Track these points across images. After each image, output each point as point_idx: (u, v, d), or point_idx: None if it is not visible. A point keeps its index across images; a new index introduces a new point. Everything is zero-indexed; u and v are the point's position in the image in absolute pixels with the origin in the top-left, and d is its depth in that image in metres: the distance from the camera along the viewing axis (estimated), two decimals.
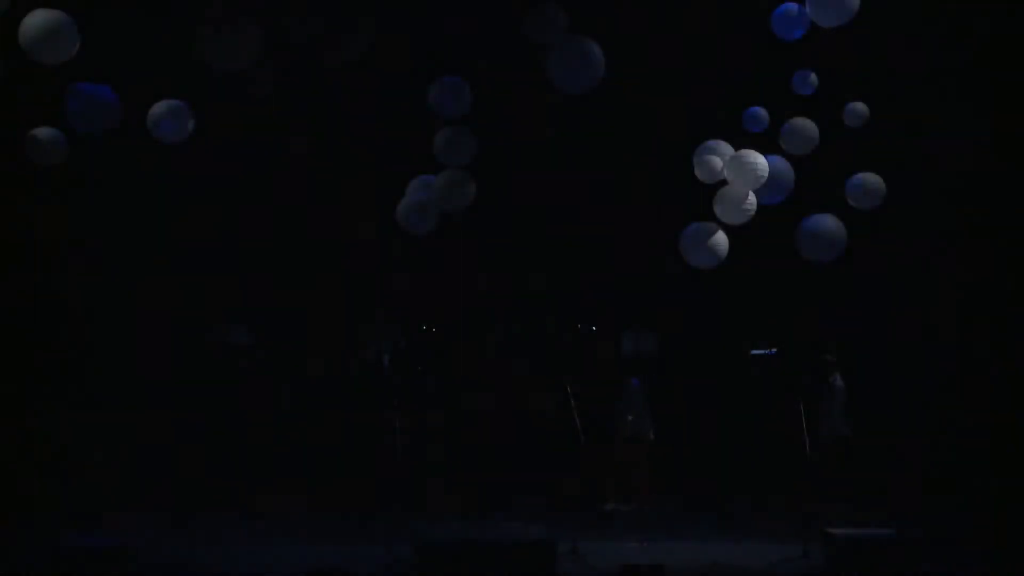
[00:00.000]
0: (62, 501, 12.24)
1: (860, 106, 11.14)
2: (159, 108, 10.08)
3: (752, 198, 10.48)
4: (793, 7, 10.40)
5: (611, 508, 12.99)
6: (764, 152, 10.50)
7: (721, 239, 10.69)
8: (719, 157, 10.54)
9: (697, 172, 10.65)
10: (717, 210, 10.63)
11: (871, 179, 11.01)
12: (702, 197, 10.72)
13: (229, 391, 13.95)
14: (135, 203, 13.20)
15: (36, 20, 9.17)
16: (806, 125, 10.85)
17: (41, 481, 12.55)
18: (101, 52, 9.91)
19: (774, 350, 13.58)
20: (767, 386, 13.33)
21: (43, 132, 9.92)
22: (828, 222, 10.76)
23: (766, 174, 10.39)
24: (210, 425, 13.56)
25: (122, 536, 9.76)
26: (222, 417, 13.77)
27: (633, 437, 13.10)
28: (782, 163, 10.74)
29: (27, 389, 12.89)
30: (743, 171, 10.35)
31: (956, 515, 12.03)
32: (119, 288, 13.44)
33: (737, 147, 10.59)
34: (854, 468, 13.44)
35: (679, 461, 14.09)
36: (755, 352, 14.03)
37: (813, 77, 11.01)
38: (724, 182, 10.58)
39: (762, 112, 11.08)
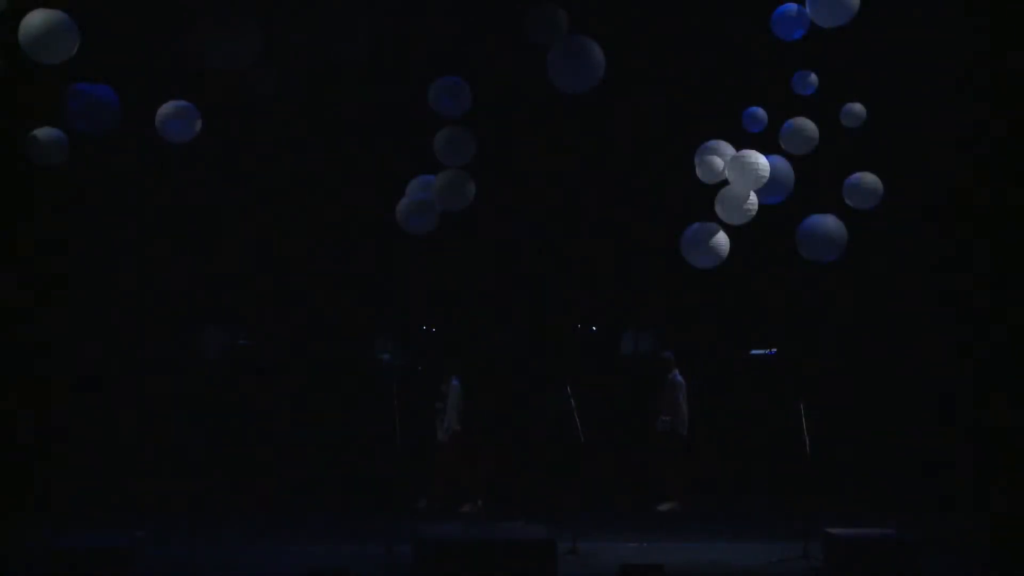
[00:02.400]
0: (61, 501, 12.23)
1: (857, 107, 11.14)
2: (167, 109, 10.10)
3: (753, 198, 10.48)
4: (793, 7, 10.40)
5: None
6: (764, 152, 10.50)
7: (722, 239, 10.68)
8: (720, 157, 10.53)
9: (698, 172, 10.64)
10: (718, 210, 10.63)
11: (870, 179, 11.01)
12: (703, 197, 10.72)
13: (229, 391, 13.95)
14: (135, 203, 13.21)
15: (36, 20, 9.16)
16: (806, 125, 10.84)
17: (40, 481, 12.54)
18: (101, 52, 9.91)
19: (774, 350, 13.58)
20: (767, 386, 13.33)
21: (43, 132, 9.91)
22: (828, 222, 10.75)
23: (767, 174, 10.38)
24: (210, 425, 13.55)
25: (122, 536, 9.73)
26: (222, 417, 13.76)
27: (452, 437, 13.02)
28: (782, 163, 10.74)
29: (27, 389, 12.88)
30: (744, 171, 10.35)
31: (956, 515, 12.02)
32: (118, 289, 13.44)
33: (737, 147, 10.59)
34: (855, 468, 13.47)
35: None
36: (755, 352, 14.02)
37: (813, 77, 11.02)
38: (725, 182, 10.57)
39: (762, 112, 11.08)
